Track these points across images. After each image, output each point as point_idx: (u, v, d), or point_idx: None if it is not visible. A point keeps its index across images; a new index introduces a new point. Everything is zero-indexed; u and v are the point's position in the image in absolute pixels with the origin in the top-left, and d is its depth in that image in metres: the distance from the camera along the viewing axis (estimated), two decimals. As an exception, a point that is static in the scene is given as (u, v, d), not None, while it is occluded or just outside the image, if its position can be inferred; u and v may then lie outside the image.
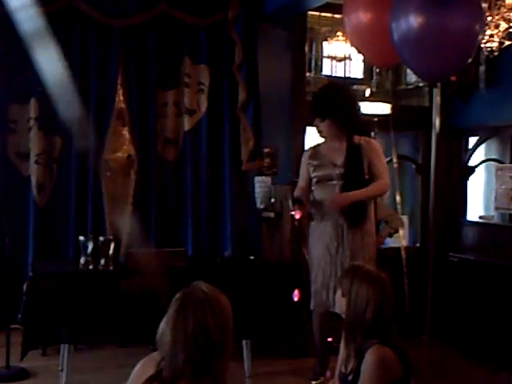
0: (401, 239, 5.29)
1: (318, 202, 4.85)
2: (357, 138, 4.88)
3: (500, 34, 5.15)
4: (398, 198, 5.14)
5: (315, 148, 5.03)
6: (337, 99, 4.81)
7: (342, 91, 4.99)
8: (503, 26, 5.04)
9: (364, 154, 4.85)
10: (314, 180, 4.93)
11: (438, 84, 4.40)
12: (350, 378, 2.98)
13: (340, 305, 3.08)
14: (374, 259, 4.87)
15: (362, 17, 4.13)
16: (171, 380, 2.15)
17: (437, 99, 4.38)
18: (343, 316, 3.08)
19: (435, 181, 6.57)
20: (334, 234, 4.79)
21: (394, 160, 5.32)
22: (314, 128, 5.03)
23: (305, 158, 5.03)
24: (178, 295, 2.24)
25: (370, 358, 2.86)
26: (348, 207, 4.74)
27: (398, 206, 5.26)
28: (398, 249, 6.13)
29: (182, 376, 2.15)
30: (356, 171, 4.80)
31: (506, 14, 5.04)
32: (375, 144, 5.00)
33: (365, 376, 2.85)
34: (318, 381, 4.93)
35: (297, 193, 4.96)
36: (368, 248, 4.87)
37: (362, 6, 4.15)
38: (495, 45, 5.12)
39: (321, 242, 4.85)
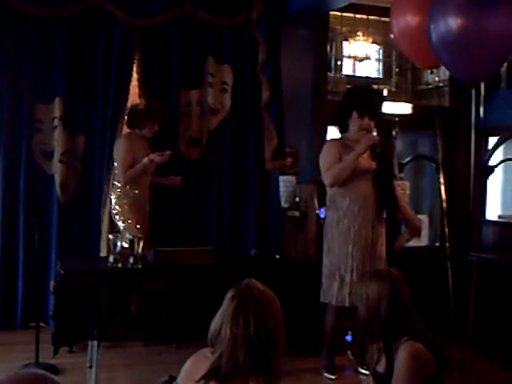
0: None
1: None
2: None
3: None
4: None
5: (342, 141, 5.06)
6: (383, 102, 5.23)
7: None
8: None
9: None
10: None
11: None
12: (383, 375, 3.01)
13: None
14: (383, 259, 5.01)
15: (410, 20, 4.16)
16: (230, 375, 2.21)
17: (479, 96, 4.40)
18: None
19: (456, 180, 6.61)
20: (365, 232, 4.91)
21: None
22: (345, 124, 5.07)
23: (335, 147, 5.03)
24: (233, 293, 2.31)
25: (402, 354, 2.87)
26: (381, 202, 4.94)
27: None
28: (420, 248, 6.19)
29: (241, 372, 2.20)
30: (389, 167, 5.03)
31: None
32: None
33: (399, 372, 2.87)
34: (336, 376, 5.02)
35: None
36: (380, 248, 5.01)
37: (411, 9, 4.18)
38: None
39: (346, 238, 4.93)
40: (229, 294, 2.32)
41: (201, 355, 2.36)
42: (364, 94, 5.05)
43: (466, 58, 3.71)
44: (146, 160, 5.49)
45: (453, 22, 3.62)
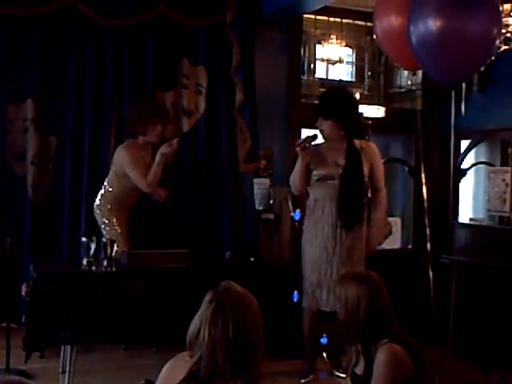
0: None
1: None
2: (357, 142, 5.00)
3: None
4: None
5: (315, 147, 5.07)
6: (342, 101, 4.95)
7: (347, 94, 5.17)
8: (501, 31, 5.13)
9: (365, 157, 4.97)
10: (314, 178, 5.00)
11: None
12: (362, 377, 3.01)
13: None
14: (362, 263, 4.97)
15: (393, 21, 4.17)
16: (209, 379, 2.18)
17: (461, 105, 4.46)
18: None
19: (428, 183, 6.64)
20: (332, 234, 4.88)
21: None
22: (317, 128, 5.07)
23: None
24: (211, 296, 2.28)
25: (381, 356, 2.88)
26: (344, 207, 4.87)
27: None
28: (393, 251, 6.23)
29: (220, 375, 2.18)
30: (356, 172, 4.91)
31: (504, 19, 5.12)
32: (376, 148, 5.15)
33: (377, 375, 2.88)
34: (308, 379, 5.03)
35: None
36: (357, 251, 4.97)
37: (394, 11, 4.19)
38: (493, 49, 5.20)
39: (318, 241, 4.93)
40: (207, 297, 2.29)
41: (179, 359, 2.34)
42: (323, 96, 5.17)
43: (446, 60, 3.74)
44: (158, 158, 5.40)
45: (432, 24, 3.65)
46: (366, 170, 4.95)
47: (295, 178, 5.02)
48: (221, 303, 2.23)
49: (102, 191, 5.58)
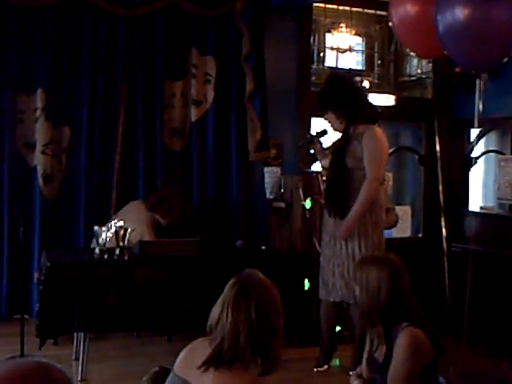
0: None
1: None
2: (361, 128, 4.76)
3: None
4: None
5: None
6: (333, 91, 4.84)
7: (340, 82, 4.93)
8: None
9: (359, 143, 4.72)
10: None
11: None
12: (380, 360, 3.02)
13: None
14: (377, 247, 4.79)
15: (409, 9, 4.15)
16: (231, 360, 2.22)
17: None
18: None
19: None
20: (333, 224, 4.86)
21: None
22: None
23: None
24: (235, 280, 2.34)
25: (403, 340, 2.89)
26: (327, 197, 4.91)
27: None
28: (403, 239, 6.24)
29: (241, 356, 2.22)
30: (337, 162, 4.81)
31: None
32: (373, 133, 4.77)
33: (398, 358, 2.88)
34: (321, 368, 5.03)
35: None
36: (366, 236, 4.79)
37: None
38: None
39: (326, 232, 4.95)
40: (230, 281, 2.35)
41: (198, 344, 2.39)
42: (321, 89, 5.11)
43: (472, 48, 3.75)
44: None
45: (459, 13, 3.66)
46: (351, 157, 4.73)
47: None
48: (244, 287, 2.29)
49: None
